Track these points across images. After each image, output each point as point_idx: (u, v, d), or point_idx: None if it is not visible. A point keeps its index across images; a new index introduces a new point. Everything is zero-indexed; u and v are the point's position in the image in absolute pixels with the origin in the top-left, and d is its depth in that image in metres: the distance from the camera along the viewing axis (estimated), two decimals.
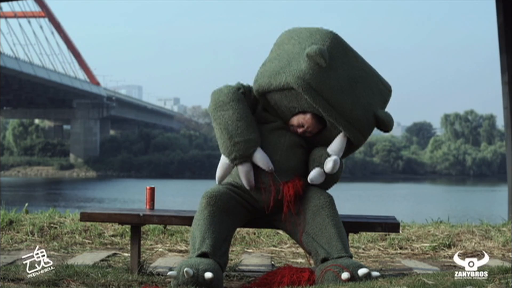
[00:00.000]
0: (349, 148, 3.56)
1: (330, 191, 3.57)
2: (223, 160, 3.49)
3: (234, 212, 3.45)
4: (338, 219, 3.41)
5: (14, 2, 41.81)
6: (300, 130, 3.52)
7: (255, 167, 3.45)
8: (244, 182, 3.44)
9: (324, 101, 3.36)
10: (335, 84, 3.39)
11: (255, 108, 3.57)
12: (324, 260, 3.28)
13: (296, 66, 3.36)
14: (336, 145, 3.48)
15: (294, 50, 3.46)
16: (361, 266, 3.17)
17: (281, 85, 3.39)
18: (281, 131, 3.54)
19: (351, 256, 3.31)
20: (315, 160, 3.49)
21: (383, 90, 3.63)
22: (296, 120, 3.51)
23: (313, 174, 3.47)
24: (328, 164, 3.44)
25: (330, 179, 3.53)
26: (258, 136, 3.45)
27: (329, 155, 3.47)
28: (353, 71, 3.49)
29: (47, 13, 53.01)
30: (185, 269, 3.06)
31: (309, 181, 3.49)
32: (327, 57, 3.32)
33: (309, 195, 3.47)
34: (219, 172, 3.52)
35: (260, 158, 3.42)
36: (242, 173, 3.43)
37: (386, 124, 3.53)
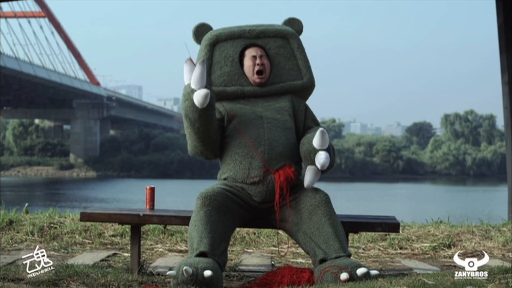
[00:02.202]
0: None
1: (328, 190, 3.57)
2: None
3: (231, 211, 3.45)
4: (335, 217, 3.41)
5: (14, 2, 41.81)
6: (258, 60, 3.66)
7: (244, 160, 3.47)
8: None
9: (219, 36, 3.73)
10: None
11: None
12: (323, 260, 3.28)
13: None
14: (318, 140, 3.39)
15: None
16: (360, 266, 3.17)
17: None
18: (258, 120, 3.55)
19: (349, 255, 3.30)
20: (306, 158, 3.45)
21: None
22: (249, 61, 3.67)
23: (309, 179, 3.44)
24: (320, 162, 3.37)
25: (329, 167, 3.47)
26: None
27: (317, 150, 3.40)
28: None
29: (47, 13, 53.02)
30: (184, 268, 3.06)
31: (306, 187, 3.46)
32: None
33: (304, 194, 3.46)
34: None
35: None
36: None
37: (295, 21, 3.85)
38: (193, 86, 3.36)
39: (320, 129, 3.42)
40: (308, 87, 3.76)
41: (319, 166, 3.40)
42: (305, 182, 3.46)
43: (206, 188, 3.49)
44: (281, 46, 3.75)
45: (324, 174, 3.50)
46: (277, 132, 3.54)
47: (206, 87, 3.36)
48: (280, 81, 3.72)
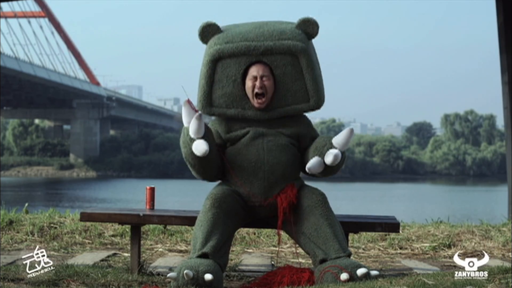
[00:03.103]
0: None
1: (328, 190, 3.56)
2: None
3: (237, 213, 3.45)
4: (332, 217, 3.40)
5: (14, 2, 41.80)
6: (258, 83, 3.45)
7: (245, 184, 3.44)
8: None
9: (230, 43, 3.51)
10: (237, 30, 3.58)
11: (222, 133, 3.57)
12: (323, 261, 3.28)
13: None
14: (342, 138, 3.40)
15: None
16: (360, 266, 3.17)
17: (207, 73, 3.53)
18: (258, 141, 3.49)
19: (349, 255, 3.30)
20: (317, 148, 3.43)
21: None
22: (249, 82, 3.48)
23: (312, 164, 3.40)
24: (329, 157, 3.37)
25: (330, 170, 3.46)
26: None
27: (332, 146, 3.40)
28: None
29: (47, 13, 53.01)
30: (185, 271, 3.06)
31: (306, 170, 3.43)
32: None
33: (301, 195, 3.46)
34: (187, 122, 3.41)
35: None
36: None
37: (310, 21, 3.59)
38: (191, 135, 3.34)
39: (350, 127, 3.41)
40: (314, 109, 3.60)
41: (327, 162, 3.38)
42: (307, 165, 3.41)
43: (215, 188, 3.50)
44: (289, 64, 3.50)
45: (325, 175, 3.48)
46: (278, 152, 3.47)
47: (204, 136, 3.34)
48: (284, 104, 3.53)
